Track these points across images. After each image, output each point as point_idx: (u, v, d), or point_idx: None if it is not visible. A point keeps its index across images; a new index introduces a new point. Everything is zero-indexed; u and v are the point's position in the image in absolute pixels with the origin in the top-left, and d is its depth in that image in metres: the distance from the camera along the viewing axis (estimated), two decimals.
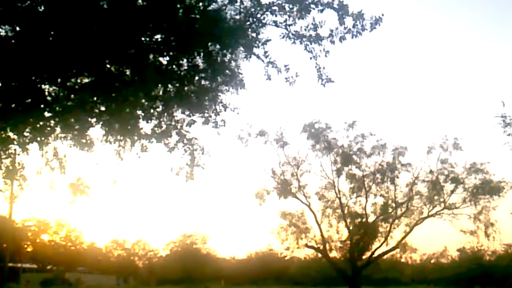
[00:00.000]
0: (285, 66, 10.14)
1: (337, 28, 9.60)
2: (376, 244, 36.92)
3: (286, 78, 10.16)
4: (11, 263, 52.29)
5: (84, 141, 10.74)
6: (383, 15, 9.55)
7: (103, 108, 9.99)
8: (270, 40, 9.97)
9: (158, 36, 9.16)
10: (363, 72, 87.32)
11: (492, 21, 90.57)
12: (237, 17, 9.41)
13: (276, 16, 9.70)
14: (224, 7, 9.20)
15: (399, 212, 36.63)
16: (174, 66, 9.57)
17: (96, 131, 10.62)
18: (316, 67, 9.90)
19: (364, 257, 37.34)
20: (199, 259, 71.83)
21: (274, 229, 37.90)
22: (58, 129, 10.42)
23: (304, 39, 9.78)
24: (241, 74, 9.90)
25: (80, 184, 11.58)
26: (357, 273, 36.52)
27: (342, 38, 9.66)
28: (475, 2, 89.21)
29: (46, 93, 9.42)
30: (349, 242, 36.77)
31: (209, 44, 9.30)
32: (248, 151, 40.91)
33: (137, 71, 9.17)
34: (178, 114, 10.61)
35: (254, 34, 9.78)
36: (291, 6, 9.55)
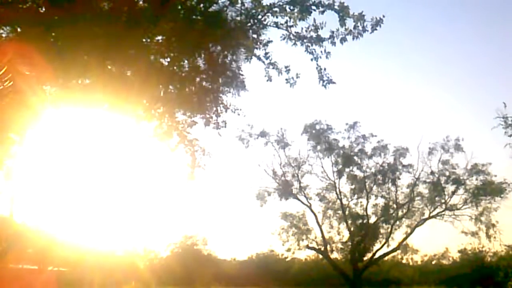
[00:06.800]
0: (286, 67, 10.16)
1: (338, 30, 9.63)
2: (377, 246, 36.94)
3: (286, 79, 10.19)
4: (12, 264, 52.29)
5: None
6: (384, 16, 9.58)
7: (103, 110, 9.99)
8: (271, 41, 10.00)
9: (159, 37, 9.17)
10: (364, 73, 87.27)
11: (492, 21, 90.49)
12: (238, 18, 9.42)
13: (277, 17, 9.74)
14: (225, 9, 9.22)
15: (400, 213, 36.62)
16: (175, 67, 9.57)
17: None
18: (317, 68, 9.92)
19: (365, 258, 37.32)
20: (200, 260, 71.82)
21: (275, 231, 37.92)
22: None
23: (305, 41, 9.81)
24: (242, 75, 9.92)
25: None
26: (358, 275, 36.48)
27: (343, 40, 9.68)
28: (476, 2, 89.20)
29: (47, 93, 9.42)
30: (350, 243, 36.77)
31: (210, 45, 9.31)
32: (249, 152, 40.93)
33: (138, 72, 9.18)
34: (179, 115, 10.62)
35: (255, 36, 9.80)
36: (292, 8, 9.57)
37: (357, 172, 36.53)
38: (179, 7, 8.85)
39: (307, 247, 37.80)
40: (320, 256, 42.68)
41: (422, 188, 36.45)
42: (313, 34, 9.74)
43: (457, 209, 35.42)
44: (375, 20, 9.54)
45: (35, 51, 7.96)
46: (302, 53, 9.85)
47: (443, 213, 35.85)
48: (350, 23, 9.52)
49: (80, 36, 8.19)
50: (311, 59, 9.88)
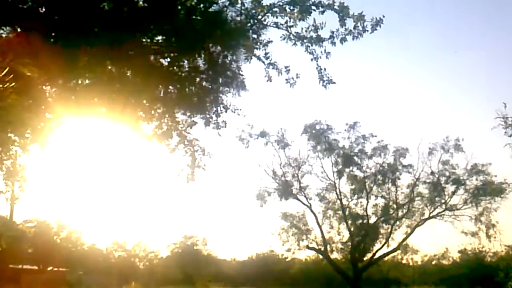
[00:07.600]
0: (286, 67, 10.16)
1: (338, 30, 9.63)
2: (377, 246, 36.98)
3: (286, 80, 10.19)
4: (12, 265, 52.33)
5: None
6: (384, 16, 9.59)
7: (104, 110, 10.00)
8: (271, 41, 10.00)
9: (159, 38, 9.17)
10: (364, 74, 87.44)
11: (493, 21, 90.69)
12: (238, 18, 9.42)
13: (277, 17, 9.74)
14: (225, 9, 9.21)
15: (400, 213, 36.64)
16: (175, 68, 9.57)
17: None
18: (317, 68, 9.93)
19: (365, 258, 37.35)
20: (200, 260, 71.84)
21: (275, 231, 37.94)
22: None
23: (305, 41, 9.81)
24: (242, 75, 9.91)
25: None
26: (358, 275, 36.50)
27: (343, 40, 9.69)
28: (477, 2, 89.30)
29: (47, 94, 9.43)
30: (350, 243, 36.78)
31: (210, 45, 9.31)
32: (249, 153, 40.98)
33: (138, 72, 9.18)
34: (179, 116, 10.62)
35: (255, 36, 9.80)
36: (292, 8, 9.57)
37: (357, 172, 36.61)
38: (179, 7, 8.85)
39: (307, 247, 37.83)
40: (320, 256, 42.72)
41: (422, 188, 36.54)
42: (313, 34, 9.74)
43: (457, 209, 35.45)
44: (375, 20, 9.55)
45: (36, 51, 7.97)
46: (302, 53, 9.87)
47: (443, 213, 35.89)
48: (350, 23, 9.54)
49: (80, 36, 8.20)
50: (311, 59, 9.90)
